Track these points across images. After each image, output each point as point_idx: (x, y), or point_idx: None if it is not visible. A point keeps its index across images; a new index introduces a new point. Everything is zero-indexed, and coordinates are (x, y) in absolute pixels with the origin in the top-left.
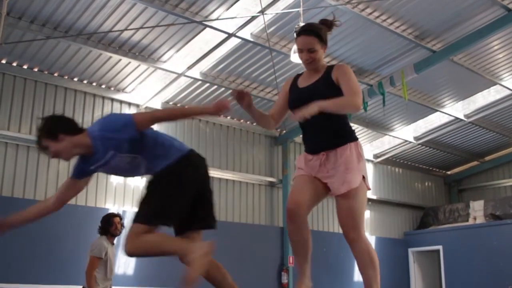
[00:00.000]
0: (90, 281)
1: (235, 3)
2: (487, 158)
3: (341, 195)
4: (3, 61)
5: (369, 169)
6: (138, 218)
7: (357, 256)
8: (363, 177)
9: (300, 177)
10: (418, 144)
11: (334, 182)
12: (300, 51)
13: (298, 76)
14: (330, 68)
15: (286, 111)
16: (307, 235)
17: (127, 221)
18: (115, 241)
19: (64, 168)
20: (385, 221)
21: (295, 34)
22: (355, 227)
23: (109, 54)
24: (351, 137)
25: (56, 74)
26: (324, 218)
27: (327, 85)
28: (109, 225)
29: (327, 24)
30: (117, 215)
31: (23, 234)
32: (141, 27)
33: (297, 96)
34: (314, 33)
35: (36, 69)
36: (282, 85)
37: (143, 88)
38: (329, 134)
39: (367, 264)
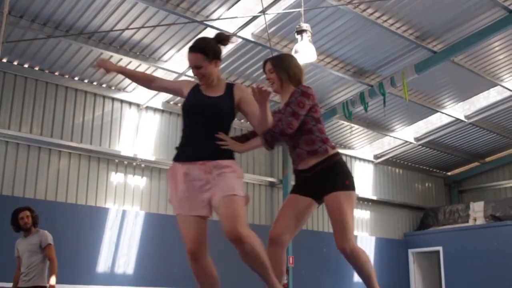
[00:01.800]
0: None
1: (236, 3)
2: (488, 159)
3: (226, 195)
4: (4, 60)
5: (369, 170)
6: None
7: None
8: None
9: (187, 217)
10: (419, 145)
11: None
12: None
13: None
14: (230, 86)
15: (165, 91)
16: (214, 274)
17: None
18: (32, 233)
19: (64, 167)
20: (385, 222)
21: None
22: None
23: (110, 53)
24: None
25: (56, 73)
26: (325, 219)
27: (230, 102)
28: (16, 221)
29: (221, 39)
30: (25, 209)
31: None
32: (142, 27)
33: (200, 102)
34: (200, 49)
35: (37, 68)
36: (183, 80)
37: (144, 88)
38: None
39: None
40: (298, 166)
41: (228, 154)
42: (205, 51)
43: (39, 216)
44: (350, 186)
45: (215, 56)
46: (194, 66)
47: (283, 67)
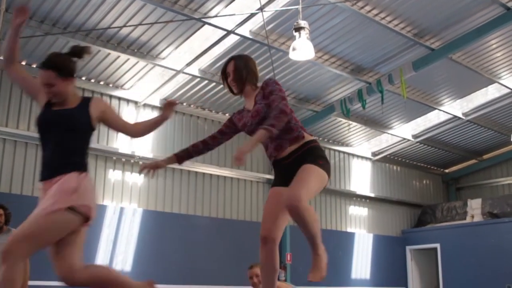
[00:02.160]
0: None
1: (234, 0)
2: (485, 156)
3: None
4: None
5: (367, 167)
6: None
7: None
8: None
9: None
10: (416, 142)
11: None
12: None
13: None
14: (87, 99)
15: (22, 84)
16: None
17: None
18: (4, 232)
19: None
20: (383, 219)
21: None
22: None
23: (108, 51)
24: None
25: None
26: (322, 216)
27: (85, 114)
28: None
29: (76, 52)
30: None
31: None
32: (140, 24)
33: (49, 117)
34: (52, 66)
35: (34, 66)
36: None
37: (141, 85)
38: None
39: None
40: (278, 156)
41: (72, 168)
42: (58, 68)
43: (11, 214)
44: (324, 167)
45: (69, 73)
46: (46, 84)
47: (247, 68)
